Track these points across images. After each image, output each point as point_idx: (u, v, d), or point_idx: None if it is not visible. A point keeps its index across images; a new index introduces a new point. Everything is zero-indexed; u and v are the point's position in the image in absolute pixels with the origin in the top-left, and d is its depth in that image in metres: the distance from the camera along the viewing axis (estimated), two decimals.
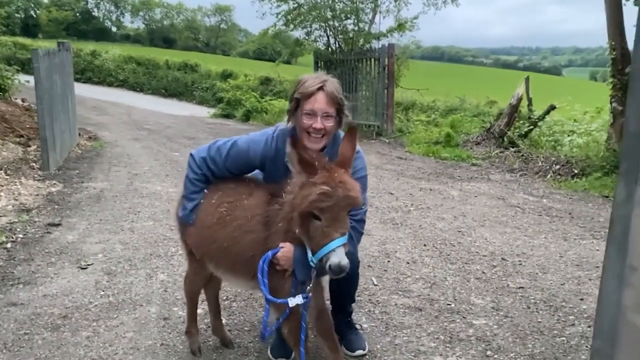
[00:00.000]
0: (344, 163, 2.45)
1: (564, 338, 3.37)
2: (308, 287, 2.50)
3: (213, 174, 2.82)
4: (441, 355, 3.15)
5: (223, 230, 2.69)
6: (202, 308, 3.62)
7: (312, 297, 2.54)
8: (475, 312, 3.70)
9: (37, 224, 5.48)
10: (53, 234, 5.22)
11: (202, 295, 3.21)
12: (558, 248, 5.11)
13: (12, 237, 5.06)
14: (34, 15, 43.90)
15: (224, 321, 3.48)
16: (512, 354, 3.16)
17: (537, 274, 4.44)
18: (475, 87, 24.44)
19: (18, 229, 5.29)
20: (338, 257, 2.26)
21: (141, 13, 63.17)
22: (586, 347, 3.26)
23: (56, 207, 6.18)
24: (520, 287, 4.14)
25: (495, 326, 3.51)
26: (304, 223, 2.38)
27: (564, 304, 3.87)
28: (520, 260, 4.74)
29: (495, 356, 3.14)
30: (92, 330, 3.34)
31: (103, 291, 3.93)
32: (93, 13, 60.30)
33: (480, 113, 14.64)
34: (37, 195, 6.79)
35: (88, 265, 4.42)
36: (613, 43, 8.73)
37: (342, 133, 2.80)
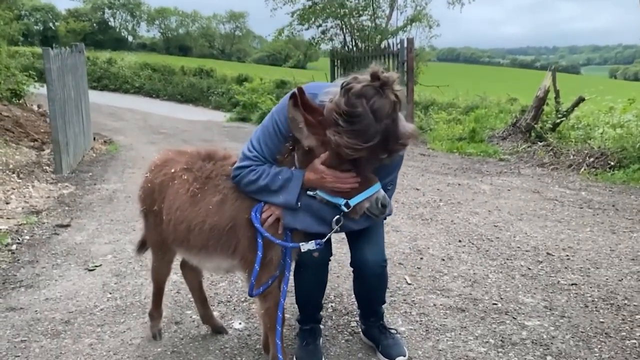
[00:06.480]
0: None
1: (634, 341, 2.91)
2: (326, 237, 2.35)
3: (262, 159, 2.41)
4: None
5: (194, 207, 2.39)
6: (218, 311, 3.28)
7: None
8: (527, 312, 3.27)
9: (45, 226, 5.18)
10: (61, 235, 4.91)
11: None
12: (607, 241, 4.64)
13: (19, 239, 4.75)
14: (53, 27, 44.41)
15: (242, 325, 3.11)
16: None
17: (589, 269, 3.98)
18: (495, 87, 23.77)
19: (25, 231, 4.99)
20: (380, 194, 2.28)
21: (157, 22, 63.60)
22: None
23: (67, 208, 5.89)
24: (573, 284, 3.69)
25: (552, 327, 3.07)
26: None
27: (626, 302, 3.41)
28: (567, 255, 4.28)
29: None
30: (95, 337, 2.98)
31: (110, 294, 3.57)
32: (109, 23, 60.80)
33: (502, 110, 14.09)
34: (49, 197, 6.51)
35: (96, 266, 4.08)
36: None
37: None
